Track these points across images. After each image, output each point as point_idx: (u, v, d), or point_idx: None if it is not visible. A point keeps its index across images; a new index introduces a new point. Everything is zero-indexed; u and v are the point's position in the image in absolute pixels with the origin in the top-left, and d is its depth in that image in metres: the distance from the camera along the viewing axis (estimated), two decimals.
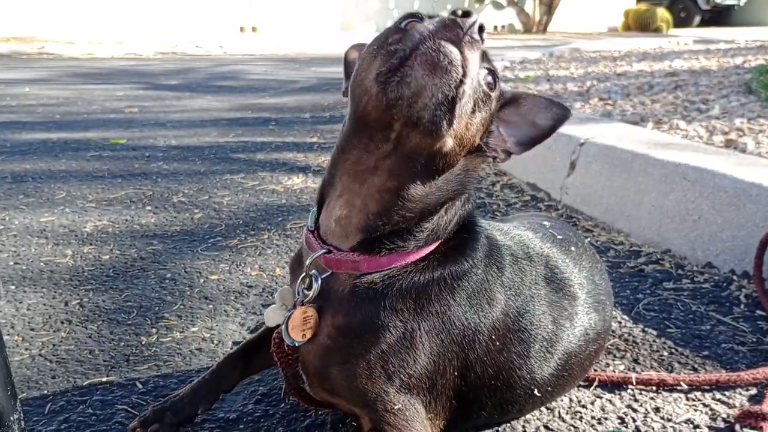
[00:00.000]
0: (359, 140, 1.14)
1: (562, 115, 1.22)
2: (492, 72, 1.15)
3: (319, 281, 1.22)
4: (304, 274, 1.25)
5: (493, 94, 1.16)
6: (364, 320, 1.18)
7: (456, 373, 1.23)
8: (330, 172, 1.23)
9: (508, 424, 1.43)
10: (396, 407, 1.18)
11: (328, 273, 1.23)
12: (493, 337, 1.26)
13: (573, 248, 1.56)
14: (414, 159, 1.12)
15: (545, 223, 1.66)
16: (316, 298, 1.23)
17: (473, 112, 1.11)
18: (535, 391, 1.35)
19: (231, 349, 1.77)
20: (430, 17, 1.10)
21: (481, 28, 1.06)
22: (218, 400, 1.46)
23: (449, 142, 1.11)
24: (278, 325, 1.26)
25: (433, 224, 1.20)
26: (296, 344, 1.23)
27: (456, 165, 1.18)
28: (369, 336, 1.18)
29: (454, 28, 1.05)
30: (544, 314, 1.35)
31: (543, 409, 1.49)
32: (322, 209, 1.26)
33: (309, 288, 1.23)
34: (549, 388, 1.38)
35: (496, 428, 1.42)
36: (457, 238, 1.25)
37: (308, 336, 1.22)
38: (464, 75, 1.05)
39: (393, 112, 1.06)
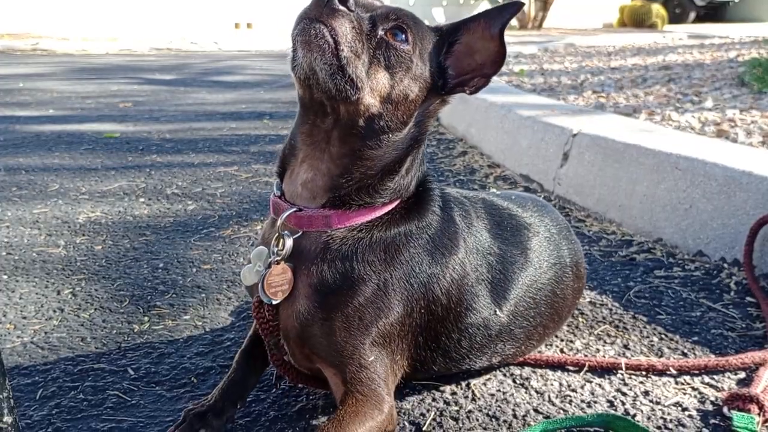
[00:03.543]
0: (308, 117, 1.26)
1: (511, 12, 1.26)
2: (398, 26, 1.22)
3: (291, 239, 1.28)
4: (277, 234, 1.30)
5: (406, 47, 1.23)
6: (339, 275, 1.25)
7: (423, 310, 1.32)
8: (290, 144, 1.33)
9: (498, 407, 1.44)
10: (370, 359, 1.25)
11: (299, 233, 1.29)
12: (456, 267, 1.37)
13: (513, 197, 1.71)
14: (355, 125, 1.22)
15: (492, 190, 1.82)
16: (289, 259, 1.28)
17: (387, 68, 1.21)
18: (498, 312, 1.44)
19: (230, 334, 1.78)
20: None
21: None
22: (251, 393, 1.46)
23: (373, 102, 1.20)
24: (255, 284, 1.30)
25: (395, 183, 1.30)
26: (273, 302, 1.28)
27: (406, 117, 1.27)
28: (345, 290, 1.25)
29: (320, 5, 1.14)
30: (492, 241, 1.48)
31: (532, 392, 1.50)
32: (284, 178, 1.34)
33: (281, 246, 1.29)
34: (513, 309, 1.47)
35: (486, 413, 1.43)
36: (416, 196, 1.36)
37: (284, 294, 1.27)
38: (336, 42, 1.13)
39: (312, 92, 1.19)
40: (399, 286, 1.28)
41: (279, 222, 1.30)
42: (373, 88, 1.20)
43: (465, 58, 1.31)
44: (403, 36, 1.23)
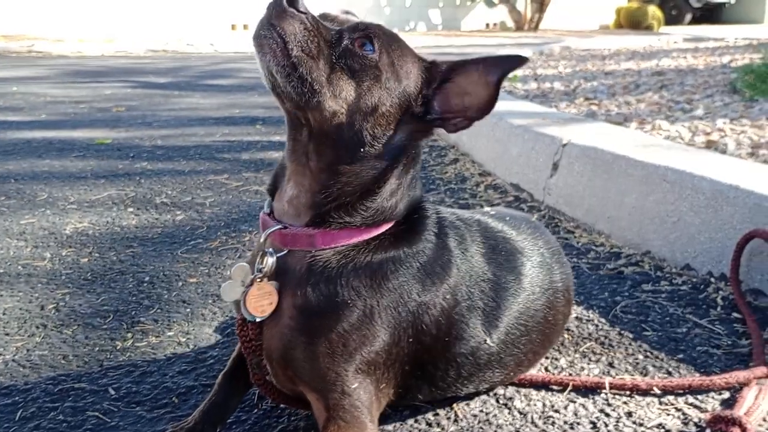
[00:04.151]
0: (290, 132, 1.29)
1: (513, 65, 1.26)
2: (366, 36, 1.22)
3: (275, 257, 1.27)
4: (261, 252, 1.29)
5: (372, 55, 1.22)
6: (323, 299, 1.24)
7: (411, 339, 1.30)
8: (281, 161, 1.35)
9: (481, 429, 1.43)
10: (353, 386, 1.23)
11: (285, 252, 1.28)
12: (447, 296, 1.35)
13: (508, 218, 1.68)
14: (326, 135, 1.22)
15: (486, 209, 1.82)
16: (275, 277, 1.28)
17: (351, 75, 1.20)
18: (489, 341, 1.41)
19: (212, 350, 1.77)
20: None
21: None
22: (231, 415, 1.45)
23: (337, 109, 1.20)
24: (235, 300, 1.30)
25: (378, 204, 1.28)
26: (256, 320, 1.27)
27: (379, 131, 1.24)
28: (330, 314, 1.23)
29: (269, 9, 1.17)
30: (486, 268, 1.45)
31: (515, 413, 1.49)
32: (275, 196, 1.34)
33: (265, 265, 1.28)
34: (504, 338, 1.45)
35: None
36: (408, 221, 1.35)
37: (267, 312, 1.26)
38: (285, 42, 1.15)
39: (283, 101, 1.22)
40: (386, 314, 1.26)
41: (262, 238, 1.30)
42: (335, 93, 1.19)
43: (454, 97, 1.30)
44: (370, 46, 1.22)
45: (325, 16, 1.30)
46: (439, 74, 1.30)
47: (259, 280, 1.27)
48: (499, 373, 1.49)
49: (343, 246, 1.27)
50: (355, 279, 1.25)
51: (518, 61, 1.25)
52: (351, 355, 1.23)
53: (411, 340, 1.30)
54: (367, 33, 1.23)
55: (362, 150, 1.25)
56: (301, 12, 1.18)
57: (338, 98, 1.20)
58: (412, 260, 1.31)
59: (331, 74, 1.19)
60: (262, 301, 1.26)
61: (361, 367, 1.24)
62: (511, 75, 6.25)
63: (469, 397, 1.55)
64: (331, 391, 1.23)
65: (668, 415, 1.49)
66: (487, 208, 1.79)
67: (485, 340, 1.41)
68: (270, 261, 1.27)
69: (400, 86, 1.26)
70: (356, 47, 1.21)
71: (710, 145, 2.88)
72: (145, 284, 2.19)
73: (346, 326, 1.23)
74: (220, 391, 1.43)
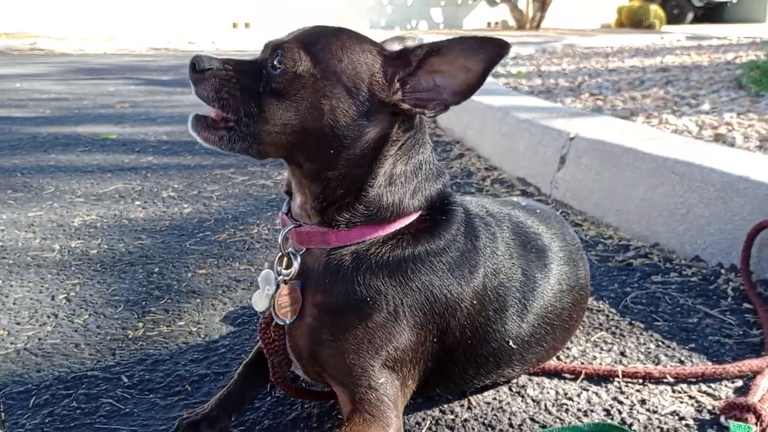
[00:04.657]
0: None
1: (497, 52, 1.15)
2: (277, 53, 1.21)
3: (299, 259, 1.28)
4: (281, 254, 1.30)
5: (286, 69, 1.19)
6: (342, 297, 1.24)
7: (435, 340, 1.29)
8: None
9: (495, 416, 1.43)
10: (380, 381, 1.23)
11: (303, 250, 1.29)
12: (474, 302, 1.33)
13: (539, 211, 1.64)
14: (292, 155, 1.24)
15: (515, 199, 1.75)
16: (296, 276, 1.28)
17: (276, 95, 1.19)
18: (510, 343, 1.41)
19: (222, 338, 1.77)
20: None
21: (193, 66, 1.23)
22: (248, 406, 1.45)
23: (278, 130, 1.20)
24: (266, 309, 1.30)
25: (374, 197, 1.25)
26: (287, 323, 1.28)
27: (339, 132, 1.21)
28: (351, 312, 1.23)
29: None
30: (516, 268, 1.43)
31: (528, 401, 1.49)
32: (291, 197, 1.36)
33: (287, 267, 1.29)
34: (527, 339, 1.44)
35: (482, 422, 1.42)
36: (431, 216, 1.31)
37: (294, 314, 1.28)
38: (208, 99, 1.22)
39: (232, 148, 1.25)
40: (411, 314, 1.25)
41: (280, 237, 1.31)
42: (270, 119, 1.20)
43: (424, 78, 1.22)
44: (281, 59, 1.20)
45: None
46: (415, 58, 1.21)
47: (284, 282, 1.27)
48: (519, 369, 1.50)
49: (357, 244, 1.26)
50: (373, 277, 1.24)
51: (499, 47, 1.14)
52: (377, 351, 1.23)
53: (435, 340, 1.29)
54: (276, 49, 1.21)
55: (332, 152, 1.22)
56: (207, 69, 1.22)
57: (275, 122, 1.19)
58: (435, 259, 1.28)
59: (261, 104, 1.20)
60: (288, 304, 1.27)
61: (388, 363, 1.24)
62: (515, 71, 6.22)
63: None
64: (358, 385, 1.23)
65: (682, 402, 1.49)
66: (516, 198, 1.75)
67: (508, 342, 1.41)
68: (295, 265, 1.28)
69: (340, 82, 1.20)
70: (274, 68, 1.20)
71: (718, 139, 2.88)
72: (155, 275, 2.19)
73: (370, 323, 1.22)
74: (239, 381, 1.43)
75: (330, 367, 1.25)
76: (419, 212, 1.30)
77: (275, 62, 1.21)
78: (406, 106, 1.23)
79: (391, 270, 1.24)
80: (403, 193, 1.28)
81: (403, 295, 1.24)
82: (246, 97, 1.20)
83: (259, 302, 1.31)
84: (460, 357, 1.36)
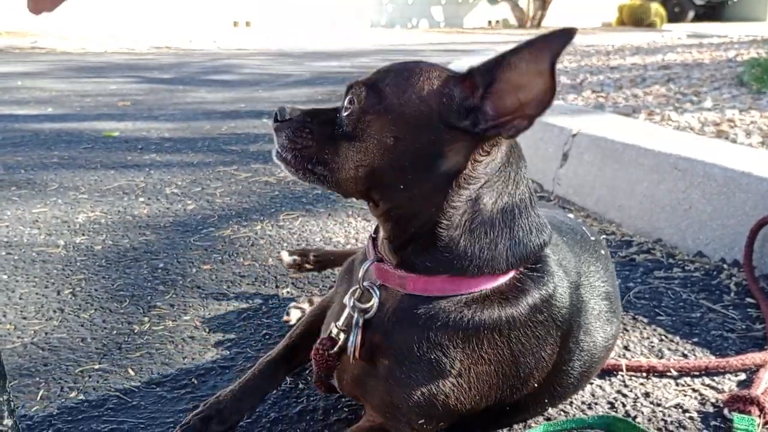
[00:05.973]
0: None
1: (563, 42, 1.02)
2: (349, 98, 1.21)
3: (377, 297, 1.23)
4: (356, 286, 1.27)
5: (352, 112, 1.19)
6: (403, 346, 1.18)
7: (490, 404, 1.24)
8: None
9: None
10: (419, 422, 1.20)
11: (379, 284, 1.24)
12: (537, 375, 1.26)
13: (602, 251, 1.54)
14: (367, 193, 1.22)
15: (569, 221, 1.66)
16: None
17: (350, 139, 1.18)
18: (545, 399, 1.35)
19: (220, 333, 1.78)
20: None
21: (275, 116, 1.27)
22: (262, 402, 1.44)
23: (351, 173, 1.19)
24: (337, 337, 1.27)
25: (451, 243, 1.16)
26: (356, 355, 1.23)
27: (404, 167, 1.16)
28: (410, 366, 1.18)
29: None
30: (591, 339, 1.35)
31: None
32: None
33: (365, 300, 1.25)
34: (573, 382, 1.37)
35: None
36: (523, 276, 1.22)
37: (360, 346, 1.24)
38: (285, 149, 1.25)
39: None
40: (476, 383, 1.19)
41: (362, 271, 1.26)
42: (343, 162, 1.19)
43: (507, 97, 1.10)
44: (351, 99, 1.20)
45: None
46: (480, 79, 1.12)
47: (363, 321, 1.23)
48: (532, 410, 1.42)
49: (435, 296, 1.19)
50: (445, 337, 1.16)
51: (567, 35, 1.02)
52: (427, 402, 1.18)
53: (490, 404, 1.24)
54: (348, 90, 1.22)
55: (402, 188, 1.17)
56: (287, 120, 1.25)
57: (348, 165, 1.18)
58: (516, 333, 1.19)
59: (335, 148, 1.19)
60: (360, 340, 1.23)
61: (433, 412, 1.20)
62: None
63: None
64: (397, 421, 1.21)
65: (685, 395, 1.50)
66: (598, 237, 1.64)
67: (544, 399, 1.35)
68: (374, 300, 1.23)
69: (404, 115, 1.15)
70: (345, 110, 1.20)
71: (720, 135, 2.89)
72: (160, 270, 2.20)
73: (432, 384, 1.17)
74: (258, 377, 1.41)
75: (374, 399, 1.23)
76: (512, 272, 1.20)
77: (346, 103, 1.20)
78: (480, 128, 1.12)
79: (468, 334, 1.17)
80: (490, 242, 1.17)
81: (472, 364, 1.18)
82: (321, 145, 1.21)
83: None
84: (496, 409, 1.29)
